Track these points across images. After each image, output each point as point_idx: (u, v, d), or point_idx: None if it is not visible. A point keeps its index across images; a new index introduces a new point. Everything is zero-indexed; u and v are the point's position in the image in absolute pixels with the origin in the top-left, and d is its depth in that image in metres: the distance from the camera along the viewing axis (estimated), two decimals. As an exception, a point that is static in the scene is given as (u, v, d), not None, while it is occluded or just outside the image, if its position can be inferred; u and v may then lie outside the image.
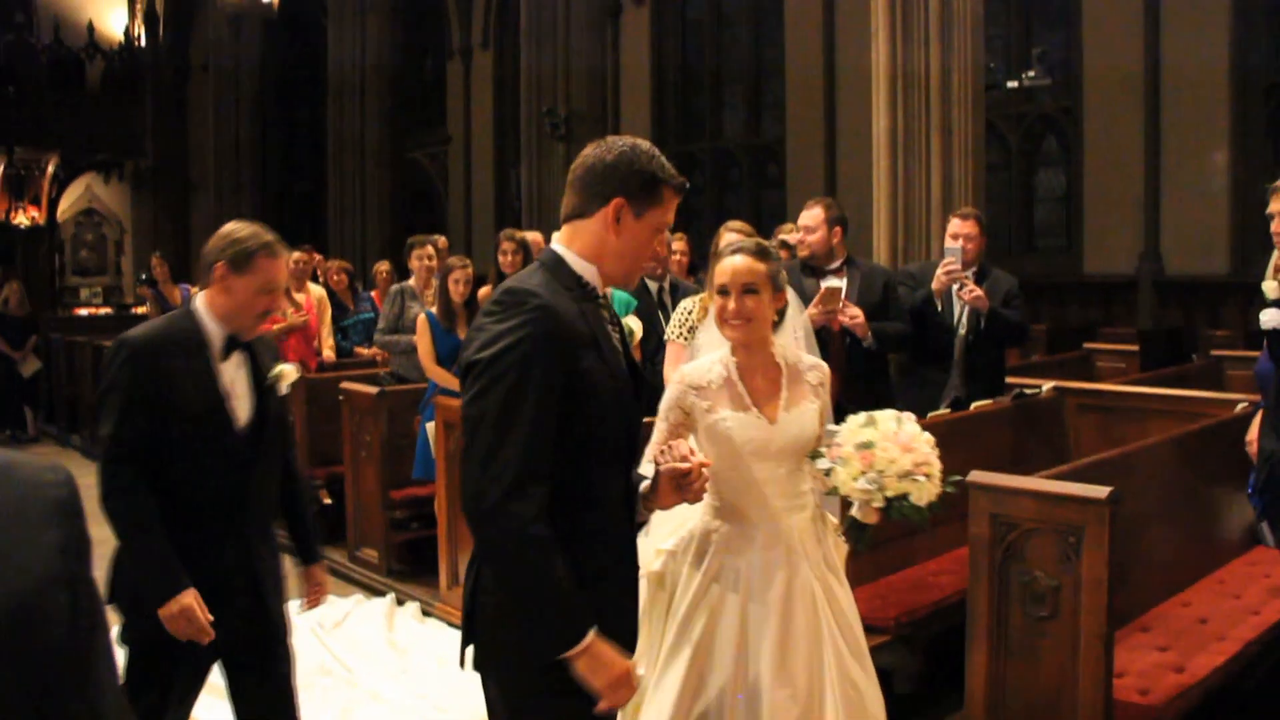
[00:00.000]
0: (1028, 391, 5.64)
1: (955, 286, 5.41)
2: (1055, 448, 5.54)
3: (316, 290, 8.31)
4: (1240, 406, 5.25)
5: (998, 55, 11.83)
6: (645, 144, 2.39)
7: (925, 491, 2.71)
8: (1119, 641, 3.59)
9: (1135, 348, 8.44)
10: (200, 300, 3.10)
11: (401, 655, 5.39)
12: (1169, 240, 11.31)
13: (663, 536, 3.04)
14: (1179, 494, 4.52)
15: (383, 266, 9.71)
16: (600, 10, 14.57)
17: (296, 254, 8.45)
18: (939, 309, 5.46)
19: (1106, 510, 3.30)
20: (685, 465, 2.36)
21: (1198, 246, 11.07)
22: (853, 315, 5.03)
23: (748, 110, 15.69)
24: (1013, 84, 11.49)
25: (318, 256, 9.07)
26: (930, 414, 4.96)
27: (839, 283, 5.14)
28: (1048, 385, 5.83)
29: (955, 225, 5.53)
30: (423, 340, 6.44)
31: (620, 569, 2.39)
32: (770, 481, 2.86)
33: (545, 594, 2.18)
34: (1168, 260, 11.30)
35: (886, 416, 2.77)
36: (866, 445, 2.68)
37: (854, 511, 2.80)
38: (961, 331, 5.49)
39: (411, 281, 7.44)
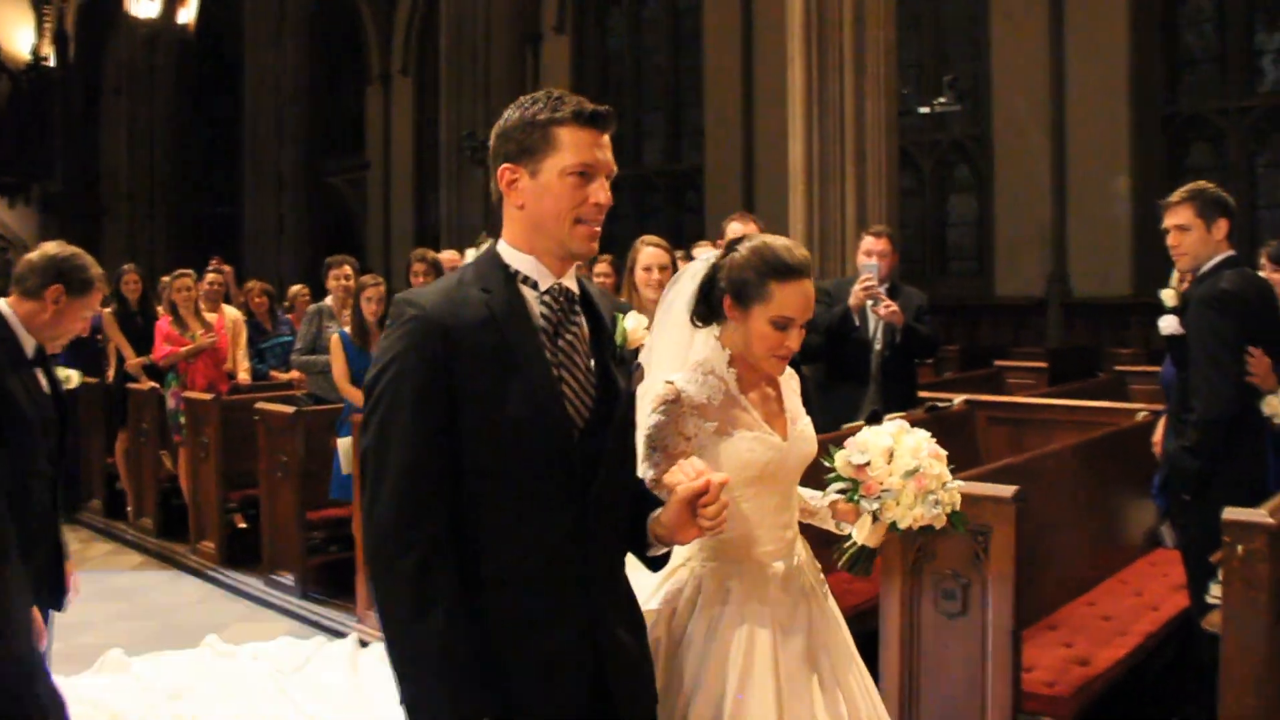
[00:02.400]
0: (940, 405, 5.78)
1: (870, 302, 5.54)
2: (966, 458, 5.66)
3: (231, 312, 8.20)
4: (1141, 415, 5.44)
5: (910, 83, 12.13)
6: (544, 91, 2.08)
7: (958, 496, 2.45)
8: (1028, 639, 3.70)
9: (1044, 365, 8.69)
10: (9, 309, 3.31)
11: (368, 700, 4.99)
12: (1075, 263, 11.67)
13: (642, 590, 2.36)
14: (1084, 499, 4.67)
15: (300, 290, 9.63)
16: (521, 38, 14.67)
17: (210, 275, 8.36)
18: (856, 324, 5.58)
19: (1012, 509, 3.40)
20: (698, 483, 1.97)
21: (1102, 269, 11.46)
22: (888, 305, 5.40)
23: (667, 137, 15.87)
24: (924, 110, 11.80)
25: (228, 268, 8.93)
26: (845, 426, 5.07)
27: (873, 264, 5.46)
28: (959, 399, 5.98)
29: (869, 243, 5.66)
30: (337, 360, 6.42)
31: (555, 630, 1.98)
32: (783, 508, 2.50)
33: (422, 668, 1.89)
34: (1075, 282, 11.66)
35: (894, 430, 2.43)
36: (913, 471, 2.35)
37: (859, 536, 2.45)
38: (877, 346, 5.61)
39: (329, 301, 7.40)
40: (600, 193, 2.01)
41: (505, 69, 13.90)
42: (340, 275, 7.30)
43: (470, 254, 6.67)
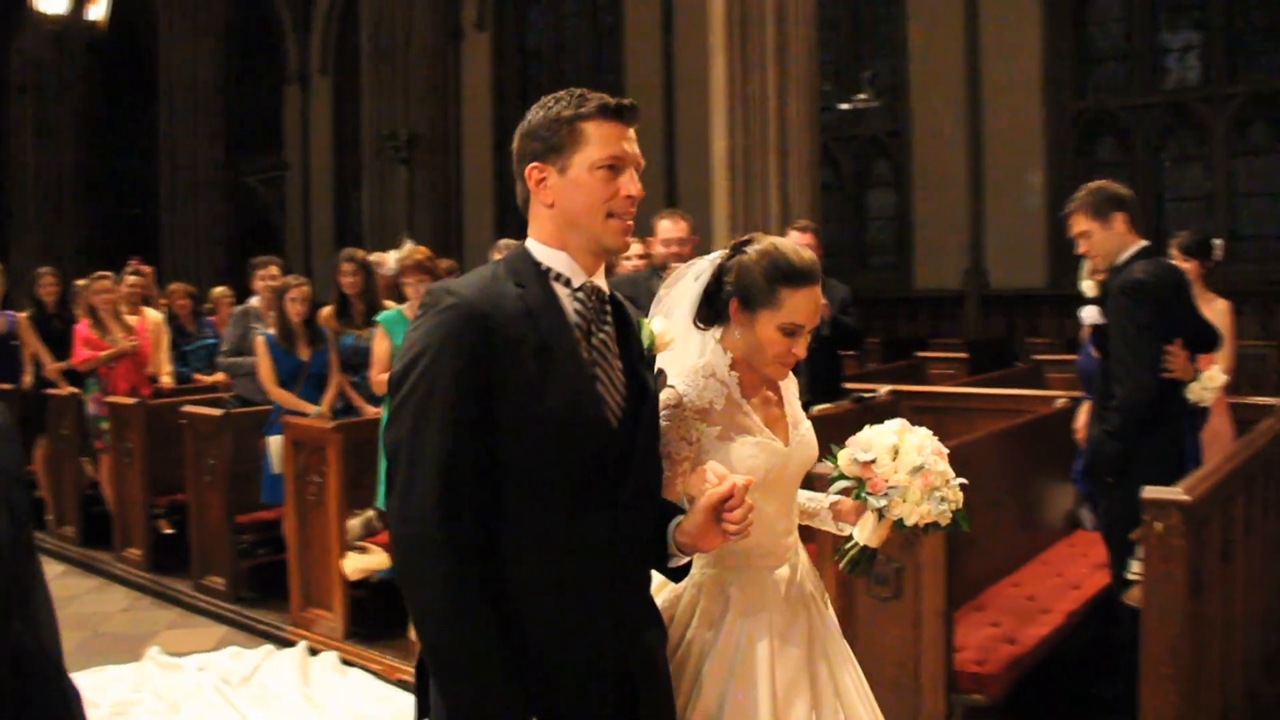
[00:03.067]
0: (866, 396, 5.90)
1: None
2: (893, 448, 5.80)
3: (153, 315, 8.06)
4: (1059, 402, 5.61)
5: (830, 79, 12.31)
6: (566, 90, 2.08)
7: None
8: (958, 620, 3.81)
9: (964, 355, 8.90)
10: None
11: (319, 711, 4.90)
12: (992, 256, 11.95)
13: None
14: (1006, 484, 4.81)
15: (224, 292, 9.49)
16: (442, 34, 14.59)
17: (131, 277, 8.21)
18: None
19: (942, 494, 3.51)
20: (724, 488, 1.93)
21: (1018, 262, 11.75)
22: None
23: (589, 135, 15.89)
24: (845, 106, 12.00)
25: (148, 269, 8.76)
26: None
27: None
28: (884, 389, 6.12)
29: (794, 237, 5.76)
30: (263, 362, 6.36)
31: (588, 635, 1.94)
32: (784, 514, 2.44)
33: (463, 670, 1.83)
34: (991, 275, 11.93)
35: (897, 428, 2.41)
36: (919, 468, 2.33)
37: (861, 536, 2.40)
38: (804, 339, 5.71)
39: (255, 302, 7.32)
40: (631, 185, 2.00)
41: (426, 67, 13.82)
42: (266, 276, 7.22)
43: (392, 256, 6.63)
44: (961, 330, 11.93)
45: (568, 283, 1.99)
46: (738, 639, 2.33)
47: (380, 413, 5.73)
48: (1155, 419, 4.01)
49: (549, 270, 1.99)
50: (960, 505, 2.37)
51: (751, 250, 2.39)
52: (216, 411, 6.56)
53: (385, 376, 5.45)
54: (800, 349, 2.36)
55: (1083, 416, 4.96)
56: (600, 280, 2.05)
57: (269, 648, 5.51)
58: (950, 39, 12.07)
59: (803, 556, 2.48)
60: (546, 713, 1.89)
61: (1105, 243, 4.18)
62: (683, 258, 5.43)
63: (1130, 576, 3.68)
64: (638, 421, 2.02)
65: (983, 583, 4.41)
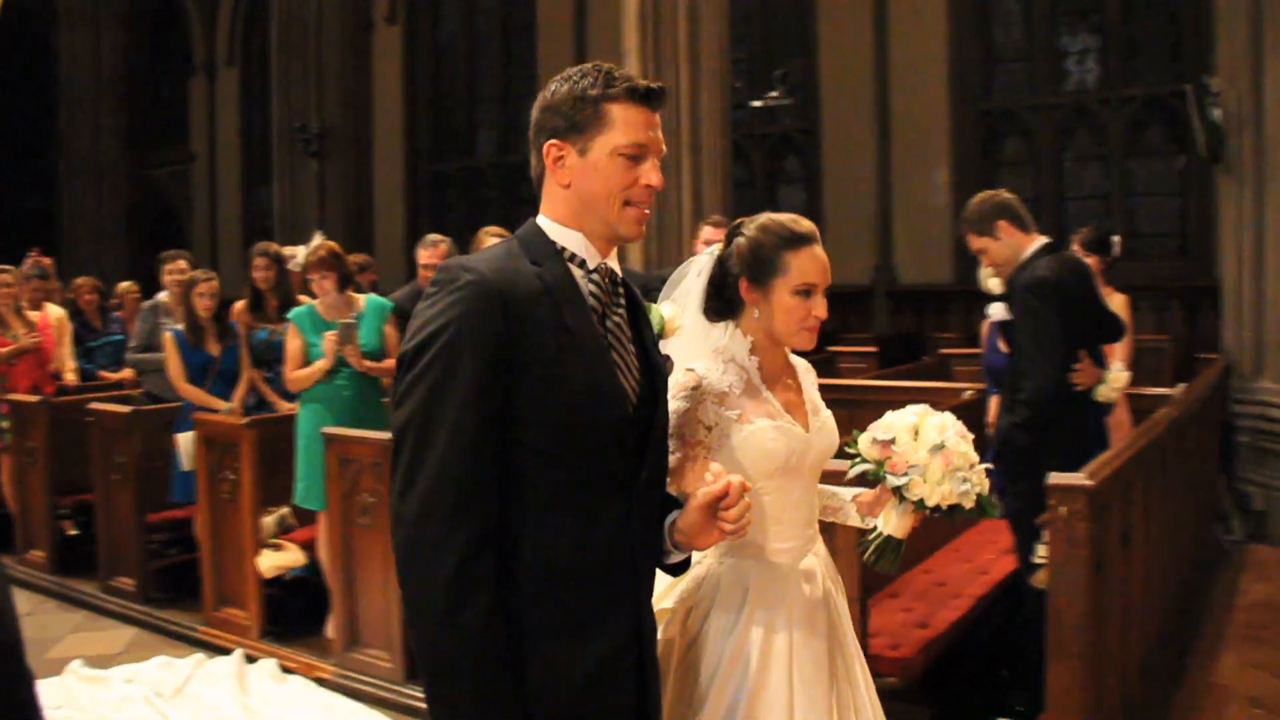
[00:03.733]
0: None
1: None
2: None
3: (55, 311, 7.85)
4: (966, 394, 5.77)
5: (742, 76, 12.44)
6: (592, 64, 1.95)
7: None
8: (872, 607, 3.91)
9: (874, 350, 9.07)
10: None
11: None
12: (900, 253, 12.18)
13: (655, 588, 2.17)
14: (918, 474, 4.93)
15: (129, 287, 9.27)
16: (353, 26, 14.42)
17: (35, 280, 7.97)
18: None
19: (857, 483, 3.60)
20: (717, 487, 1.87)
21: (925, 259, 12.00)
22: None
23: (501, 130, 15.83)
24: (756, 104, 12.13)
25: (48, 261, 8.52)
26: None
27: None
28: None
29: (708, 232, 5.82)
30: (171, 358, 6.27)
31: (610, 623, 1.86)
32: (804, 504, 2.40)
33: (454, 671, 1.74)
34: (899, 271, 12.16)
35: (919, 411, 2.38)
36: (939, 447, 2.29)
37: (885, 526, 2.36)
38: (721, 333, 5.77)
39: (164, 297, 7.18)
40: (652, 174, 1.90)
41: (338, 57, 13.67)
42: (175, 270, 7.10)
43: (301, 251, 6.56)
44: (871, 325, 12.15)
45: (582, 264, 1.92)
46: (754, 631, 2.28)
47: (294, 408, 5.67)
48: (1061, 411, 4.15)
49: (563, 249, 1.92)
50: (985, 491, 2.33)
51: (747, 230, 2.40)
52: (124, 409, 6.43)
53: (299, 373, 5.43)
54: (820, 309, 2.35)
55: (993, 410, 5.11)
56: (614, 262, 1.98)
57: (200, 656, 5.33)
58: (859, 39, 12.29)
59: (821, 548, 2.45)
60: (562, 709, 1.81)
61: (1002, 251, 4.33)
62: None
63: (1037, 560, 3.80)
64: (653, 406, 1.97)
65: (895, 570, 4.52)
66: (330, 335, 5.36)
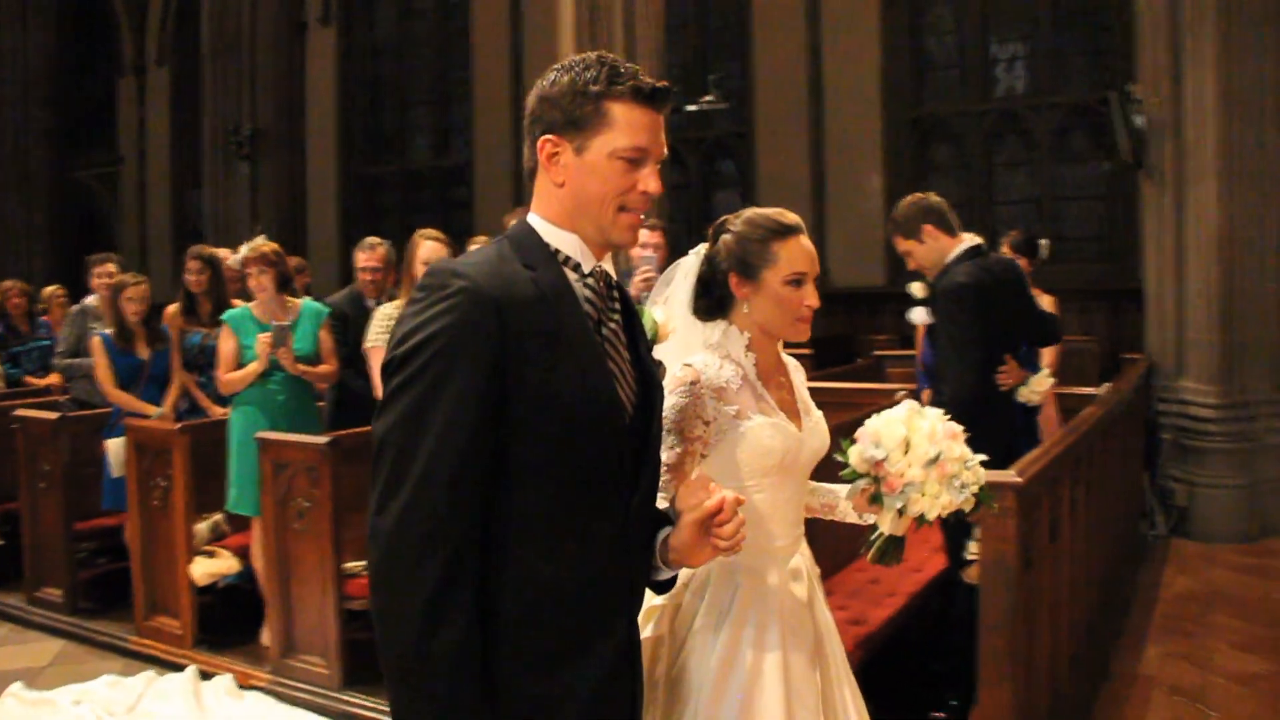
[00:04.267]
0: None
1: (648, 293, 5.72)
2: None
3: (-23, 315, 7.70)
4: (900, 395, 5.85)
5: (677, 80, 12.50)
6: (597, 55, 1.84)
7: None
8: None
9: (809, 351, 9.15)
10: None
11: None
12: (834, 255, 12.30)
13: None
14: (852, 473, 5.00)
15: (56, 291, 9.09)
16: (287, 27, 14.27)
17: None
18: (636, 315, 5.76)
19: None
20: (712, 503, 1.78)
21: (858, 261, 12.15)
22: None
23: (436, 133, 15.75)
24: (692, 108, 12.20)
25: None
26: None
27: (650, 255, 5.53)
28: (735, 384, 6.26)
29: (644, 235, 5.84)
30: (100, 363, 6.18)
31: (604, 647, 1.77)
32: (795, 502, 2.39)
33: (424, 696, 1.63)
34: (833, 273, 12.29)
35: (904, 416, 2.27)
36: (934, 460, 2.21)
37: (885, 526, 2.29)
38: (656, 337, 5.81)
39: (93, 300, 7.06)
40: (651, 180, 1.81)
41: (270, 59, 13.52)
42: (103, 273, 6.99)
43: (244, 249, 6.48)
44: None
45: (577, 267, 1.82)
46: (746, 629, 2.26)
47: (227, 413, 5.61)
48: (982, 412, 4.24)
49: (557, 252, 1.82)
50: (983, 483, 2.28)
51: (733, 225, 2.39)
52: (51, 415, 6.30)
53: (232, 375, 5.38)
54: (812, 298, 2.34)
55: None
56: (608, 265, 1.89)
57: (150, 674, 5.14)
58: (793, 45, 12.41)
59: (805, 547, 2.44)
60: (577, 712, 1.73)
61: (928, 255, 4.41)
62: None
63: (968, 556, 3.88)
64: (649, 416, 1.87)
65: (830, 568, 4.58)
66: (264, 337, 5.32)
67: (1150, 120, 7.62)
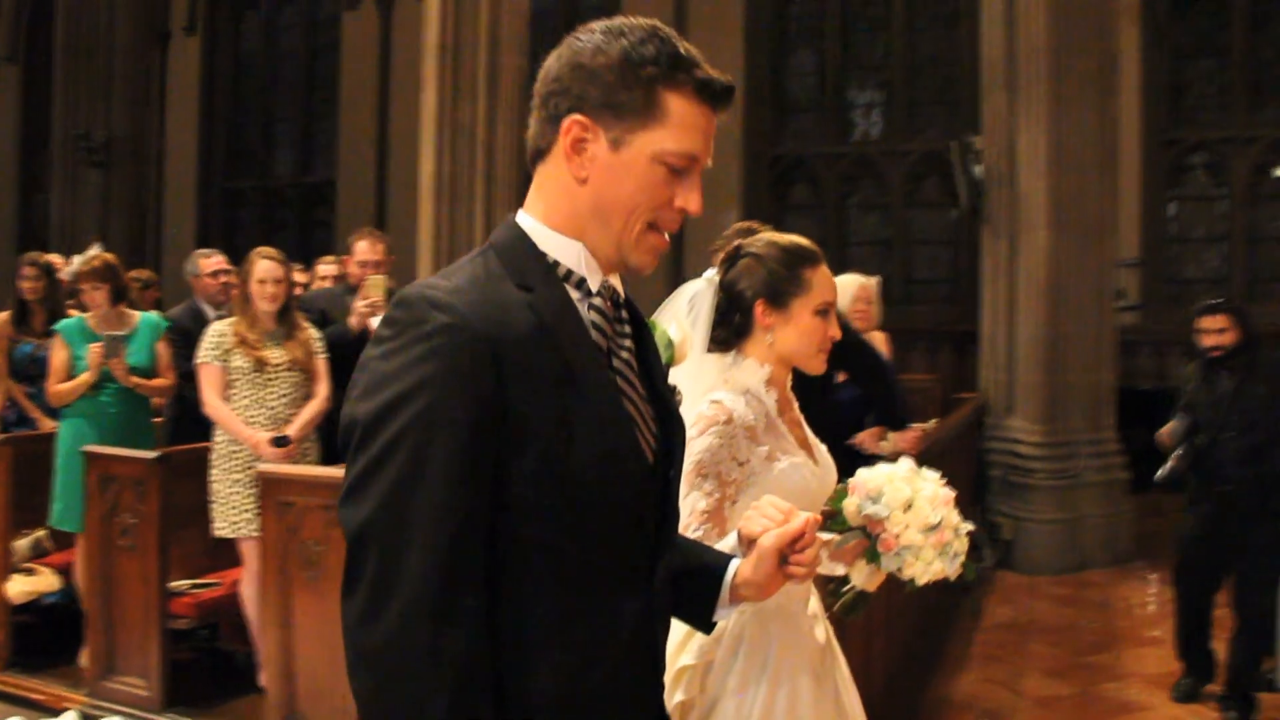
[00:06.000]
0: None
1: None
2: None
3: None
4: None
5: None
6: (651, 25, 1.44)
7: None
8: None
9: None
10: None
11: None
12: (694, 289, 12.56)
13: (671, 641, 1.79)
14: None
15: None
16: (148, 33, 13.93)
17: None
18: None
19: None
20: (794, 527, 1.53)
21: (717, 295, 12.40)
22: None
23: (299, 149, 15.53)
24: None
25: None
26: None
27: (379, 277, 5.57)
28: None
29: (362, 248, 5.93)
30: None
31: None
32: None
33: None
34: (692, 307, 12.54)
35: (907, 475, 2.09)
36: (933, 527, 2.03)
37: (858, 580, 2.12)
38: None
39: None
40: (692, 196, 1.44)
41: (129, 64, 13.17)
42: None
43: (77, 260, 6.31)
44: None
45: (580, 284, 1.43)
46: (783, 691, 2.13)
47: (55, 426, 5.44)
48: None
49: (556, 264, 1.43)
50: (965, 551, 2.12)
51: (753, 249, 2.26)
52: None
53: (62, 387, 5.23)
54: (835, 330, 2.24)
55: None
56: (617, 280, 1.50)
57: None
58: (660, 80, 12.66)
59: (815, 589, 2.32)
60: None
61: None
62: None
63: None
64: (670, 461, 1.52)
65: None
66: (95, 347, 5.19)
67: (989, 170, 8.01)
